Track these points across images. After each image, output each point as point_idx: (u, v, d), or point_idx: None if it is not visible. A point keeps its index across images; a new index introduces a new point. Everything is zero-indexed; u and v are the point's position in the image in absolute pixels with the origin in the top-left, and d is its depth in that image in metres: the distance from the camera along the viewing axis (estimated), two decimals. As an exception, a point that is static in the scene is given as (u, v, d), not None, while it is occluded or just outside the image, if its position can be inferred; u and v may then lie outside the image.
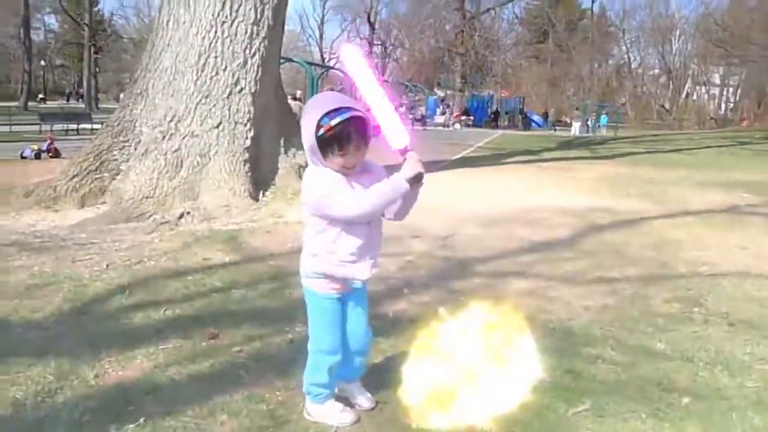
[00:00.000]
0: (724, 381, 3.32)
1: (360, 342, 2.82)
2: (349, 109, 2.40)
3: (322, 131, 2.39)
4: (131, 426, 2.65)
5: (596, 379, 3.28)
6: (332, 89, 29.14)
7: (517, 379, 2.79)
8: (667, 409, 2.98)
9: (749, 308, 4.55)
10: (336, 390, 2.85)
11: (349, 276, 2.61)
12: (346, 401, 2.86)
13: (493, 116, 46.36)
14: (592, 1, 64.56)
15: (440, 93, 49.52)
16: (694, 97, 57.47)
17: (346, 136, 2.40)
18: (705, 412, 2.95)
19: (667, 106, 56.89)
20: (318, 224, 2.55)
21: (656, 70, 61.69)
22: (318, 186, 2.48)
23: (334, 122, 2.37)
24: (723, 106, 57.97)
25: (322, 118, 2.38)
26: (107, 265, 5.18)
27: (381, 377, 3.15)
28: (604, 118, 40.88)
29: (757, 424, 2.85)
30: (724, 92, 58.12)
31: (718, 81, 57.08)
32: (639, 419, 2.87)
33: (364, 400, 2.91)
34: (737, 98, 55.80)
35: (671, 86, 57.54)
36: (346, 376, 2.89)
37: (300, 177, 9.07)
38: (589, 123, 40.34)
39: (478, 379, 2.74)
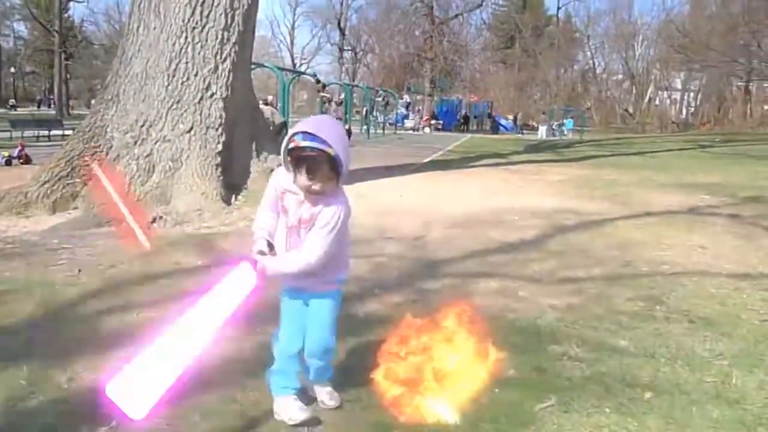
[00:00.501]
0: (684, 376, 3.38)
1: (313, 346, 2.78)
2: (324, 141, 2.39)
3: (292, 145, 2.46)
4: (103, 429, 2.63)
5: (562, 375, 3.33)
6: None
7: (481, 376, 2.83)
8: (630, 403, 3.04)
9: (709, 306, 4.63)
10: (298, 387, 2.85)
11: None
12: (310, 400, 2.87)
13: (463, 120, 46.71)
14: (558, 8, 65.65)
15: (407, 98, 49.64)
16: (657, 101, 58.46)
17: (305, 162, 2.43)
18: (666, 407, 3.01)
19: (630, 110, 57.79)
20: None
21: (620, 75, 62.66)
22: (270, 180, 2.69)
23: (304, 144, 2.40)
24: (684, 110, 59.04)
25: (297, 134, 2.43)
26: (79, 270, 5.11)
27: (350, 376, 3.17)
28: (569, 122, 41.41)
29: (716, 417, 2.92)
30: (686, 97, 59.21)
31: (679, 86, 58.12)
32: (603, 414, 2.92)
33: (328, 399, 2.92)
34: (698, 102, 56.87)
35: (634, 91, 58.49)
36: (309, 377, 2.92)
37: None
38: (553, 127, 40.80)
39: (445, 376, 2.78)
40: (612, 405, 3.01)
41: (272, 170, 9.12)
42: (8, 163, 13.68)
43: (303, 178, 2.46)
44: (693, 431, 2.80)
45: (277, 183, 2.64)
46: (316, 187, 2.47)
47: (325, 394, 2.93)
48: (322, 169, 2.43)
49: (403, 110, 46.68)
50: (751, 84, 47.48)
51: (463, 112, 48.15)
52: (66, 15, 57.00)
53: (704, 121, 51.57)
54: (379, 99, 37.14)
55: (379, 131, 35.07)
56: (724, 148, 23.90)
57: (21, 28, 71.27)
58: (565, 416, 2.89)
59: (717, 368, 3.49)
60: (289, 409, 2.72)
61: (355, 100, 39.41)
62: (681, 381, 3.32)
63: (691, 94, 58.27)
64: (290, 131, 2.50)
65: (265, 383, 3.08)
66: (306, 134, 2.40)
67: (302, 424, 2.69)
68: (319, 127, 2.42)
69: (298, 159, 2.45)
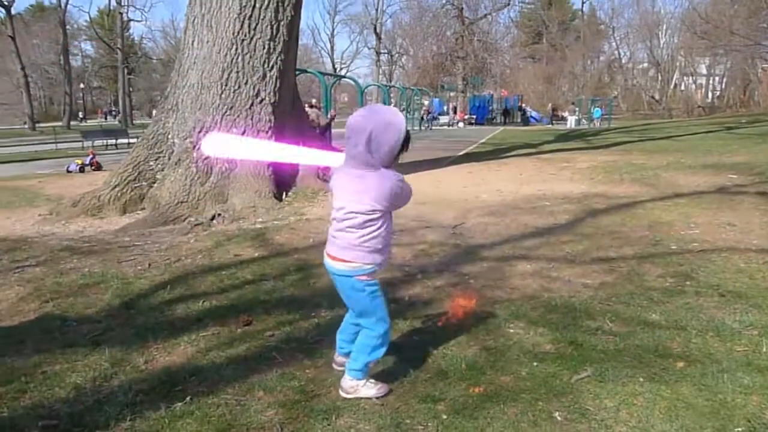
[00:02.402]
0: (715, 346, 3.32)
1: None
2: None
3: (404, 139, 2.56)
4: (179, 404, 2.73)
5: (597, 348, 3.31)
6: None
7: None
8: (662, 373, 3.00)
9: (738, 280, 4.52)
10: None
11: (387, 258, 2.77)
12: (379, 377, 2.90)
13: (504, 114, 46.14)
14: (582, 2, 64.14)
15: (429, 98, 49.44)
16: (682, 87, 56.72)
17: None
18: (698, 375, 2.97)
19: (656, 96, 56.13)
20: (384, 219, 2.65)
21: (645, 64, 60.87)
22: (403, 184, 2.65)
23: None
24: (710, 94, 57.15)
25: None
26: (149, 264, 5.27)
27: (399, 354, 3.21)
28: (597, 111, 40.47)
29: (747, 384, 2.87)
30: (711, 81, 57.31)
31: (704, 71, 56.25)
32: (637, 383, 2.90)
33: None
34: (723, 86, 54.99)
35: (660, 78, 56.74)
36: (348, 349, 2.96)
37: (318, 178, 9.15)
38: (577, 117, 39.93)
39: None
40: (645, 374, 2.98)
41: (318, 168, 9.25)
42: (82, 170, 14.13)
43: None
44: (724, 397, 2.75)
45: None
46: None
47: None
48: None
49: (438, 107, 46.51)
50: (775, 66, 45.67)
51: (505, 106, 47.46)
52: (127, 34, 58.45)
53: (729, 104, 49.85)
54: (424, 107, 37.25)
55: (416, 128, 35.05)
56: (749, 129, 23.07)
57: (88, 47, 73.61)
58: (601, 386, 2.88)
59: (747, 338, 3.42)
60: (370, 386, 2.79)
61: (392, 99, 39.32)
62: (712, 351, 3.26)
63: (716, 79, 56.36)
64: (396, 133, 2.53)
65: (320, 361, 3.16)
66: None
67: (387, 394, 2.79)
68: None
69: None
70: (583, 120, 39.66)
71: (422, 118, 36.68)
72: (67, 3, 52.11)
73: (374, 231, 2.60)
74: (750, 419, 2.57)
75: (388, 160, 2.52)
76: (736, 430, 2.50)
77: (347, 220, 2.60)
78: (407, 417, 2.62)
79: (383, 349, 2.80)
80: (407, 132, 2.53)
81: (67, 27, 55.11)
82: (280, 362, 3.17)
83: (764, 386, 2.84)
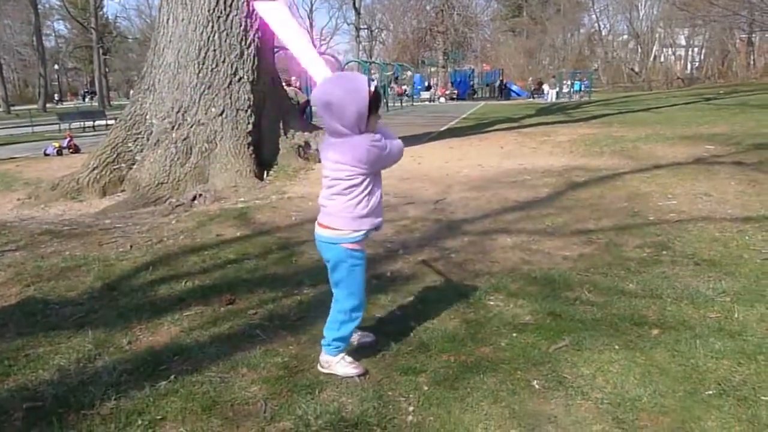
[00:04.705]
0: (689, 313, 3.41)
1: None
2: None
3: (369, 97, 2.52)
4: (163, 383, 2.76)
5: (574, 318, 3.38)
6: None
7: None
8: (638, 340, 3.08)
9: (713, 248, 4.61)
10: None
11: (380, 221, 2.77)
12: (354, 356, 2.92)
13: (500, 89, 45.04)
14: (563, -26, 63.66)
15: (410, 73, 49.10)
16: (662, 59, 56.82)
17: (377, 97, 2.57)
18: (672, 341, 3.05)
19: (636, 69, 56.25)
20: (368, 184, 2.65)
21: (625, 36, 60.82)
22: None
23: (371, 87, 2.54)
24: (689, 66, 57.40)
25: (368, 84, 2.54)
26: (131, 246, 5.25)
27: (381, 328, 3.26)
28: (577, 84, 40.51)
29: (719, 348, 2.95)
30: (690, 53, 57.51)
31: (683, 42, 56.43)
32: (613, 350, 2.97)
33: (365, 338, 3.10)
34: (702, 58, 55.26)
35: (640, 50, 56.76)
36: None
37: (299, 156, 9.12)
38: (557, 90, 39.82)
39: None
40: (621, 342, 3.06)
41: (299, 146, 9.23)
42: (59, 153, 13.94)
43: (373, 120, 2.57)
44: (696, 362, 2.84)
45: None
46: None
47: (360, 335, 3.10)
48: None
49: (419, 82, 46.27)
50: (753, 36, 45.93)
51: (502, 81, 46.52)
52: (101, 12, 57.22)
53: (708, 75, 50.13)
54: (388, 74, 36.79)
55: (397, 104, 34.93)
56: (727, 99, 23.27)
57: (61, 27, 71.91)
58: (578, 354, 2.95)
59: (720, 305, 3.51)
60: (344, 366, 2.81)
61: (373, 76, 39.09)
62: (686, 318, 3.35)
63: (695, 50, 56.57)
64: (359, 93, 2.52)
65: (303, 338, 3.20)
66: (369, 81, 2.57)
67: (360, 375, 2.79)
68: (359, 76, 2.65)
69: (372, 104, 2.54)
70: (564, 89, 39.60)
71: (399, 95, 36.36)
72: (37, -19, 50.87)
73: (358, 196, 2.62)
74: (720, 382, 2.66)
75: (359, 124, 2.51)
76: (706, 392, 2.59)
77: (332, 187, 2.64)
78: (389, 389, 2.68)
79: (351, 326, 2.81)
80: (375, 91, 2.52)
81: (39, 7, 53.64)
82: (264, 339, 3.21)
83: (735, 351, 2.93)
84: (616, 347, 3.01)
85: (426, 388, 2.68)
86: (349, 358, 2.84)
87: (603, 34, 61.80)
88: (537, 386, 2.68)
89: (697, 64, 55.77)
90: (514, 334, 3.19)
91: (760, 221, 5.33)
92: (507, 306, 3.60)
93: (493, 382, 2.71)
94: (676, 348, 2.98)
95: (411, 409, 2.53)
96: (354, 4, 65.92)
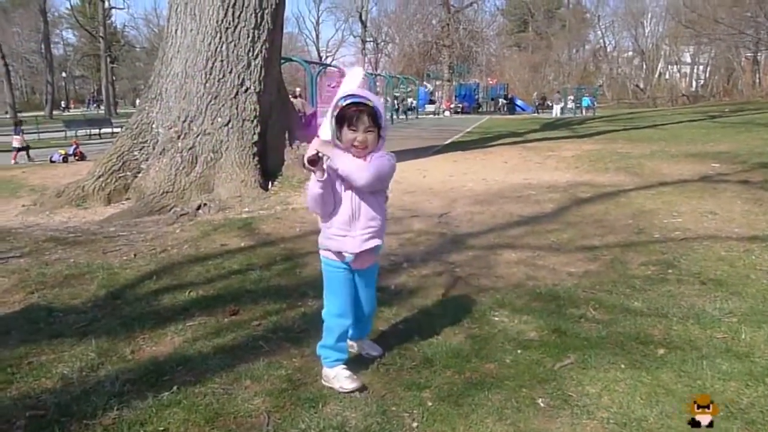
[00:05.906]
0: (695, 333, 3.38)
1: (369, 308, 2.98)
2: (362, 97, 2.57)
3: (336, 111, 2.58)
4: (166, 393, 2.74)
5: (580, 336, 3.35)
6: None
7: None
8: (643, 359, 3.05)
9: (719, 268, 4.58)
10: (347, 350, 2.94)
11: (341, 248, 2.72)
12: (357, 369, 2.90)
13: (507, 102, 45.06)
14: (568, -10, 64.12)
15: (429, 86, 49.33)
16: (667, 75, 56.97)
17: (349, 118, 2.56)
18: (678, 361, 3.02)
19: (641, 85, 56.41)
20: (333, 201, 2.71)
21: (630, 53, 61.10)
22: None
23: (345, 103, 2.56)
24: (694, 83, 57.49)
25: (340, 99, 2.58)
26: (135, 255, 5.25)
27: (385, 342, 3.25)
28: (585, 100, 40.29)
29: (726, 370, 2.92)
30: (695, 70, 57.64)
31: (689, 60, 56.56)
32: (618, 369, 2.95)
33: (371, 350, 3.11)
34: (707, 75, 55.35)
35: (645, 67, 57.00)
36: (354, 336, 3.05)
37: (304, 168, 9.13)
38: (563, 105, 39.67)
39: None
40: (627, 361, 3.03)
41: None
42: (65, 160, 14.02)
43: (347, 133, 2.57)
44: (704, 383, 2.81)
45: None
46: (360, 137, 2.56)
47: (367, 346, 3.12)
48: (363, 121, 2.55)
49: (424, 96, 46.38)
50: (759, 54, 46.01)
51: (510, 96, 46.53)
52: (109, 22, 57.65)
53: (713, 93, 50.19)
54: (398, 94, 36.91)
55: (402, 116, 35.08)
56: (733, 117, 23.27)
57: (69, 35, 72.55)
58: (583, 372, 2.92)
59: (727, 325, 3.48)
60: (341, 378, 2.78)
61: (378, 89, 39.21)
62: (692, 338, 3.32)
63: (701, 67, 56.69)
64: (335, 100, 2.59)
65: (307, 350, 3.18)
66: (346, 97, 2.57)
67: (352, 391, 2.75)
68: (356, 90, 2.62)
69: (342, 117, 2.56)
70: (570, 105, 39.51)
71: (397, 109, 36.37)
72: (47, -10, 51.36)
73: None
74: (728, 405, 2.63)
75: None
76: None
77: None
78: (393, 404, 2.66)
79: (331, 334, 2.82)
80: (336, 105, 2.57)
81: (48, 15, 54.29)
82: (267, 351, 3.19)
83: (742, 372, 2.90)
84: (622, 366, 2.98)
85: (430, 403, 2.66)
86: (347, 372, 2.81)
87: (608, 50, 62.16)
88: (542, 404, 2.66)
89: (702, 81, 55.86)
90: (519, 351, 3.17)
91: (767, 241, 5.30)
92: (512, 322, 3.58)
93: (498, 399, 2.69)
94: (682, 368, 2.95)
95: (415, 425, 2.51)
96: (360, 17, 66.48)
